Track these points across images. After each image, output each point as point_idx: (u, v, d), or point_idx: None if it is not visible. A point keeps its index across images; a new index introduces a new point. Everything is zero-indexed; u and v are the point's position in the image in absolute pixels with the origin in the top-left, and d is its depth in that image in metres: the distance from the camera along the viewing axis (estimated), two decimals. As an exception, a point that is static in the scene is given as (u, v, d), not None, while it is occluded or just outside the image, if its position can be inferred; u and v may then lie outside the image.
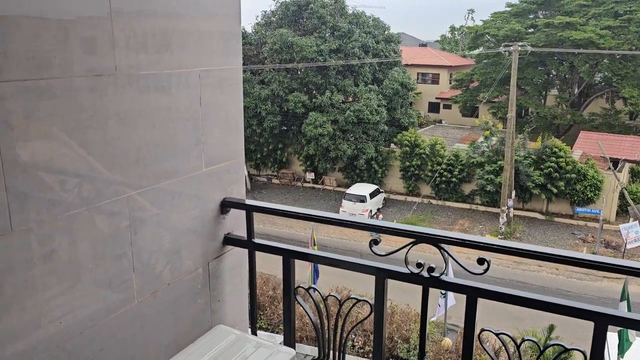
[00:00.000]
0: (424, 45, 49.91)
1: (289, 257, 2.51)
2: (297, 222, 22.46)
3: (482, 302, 2.14)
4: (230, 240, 2.62)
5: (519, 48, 22.85)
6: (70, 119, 1.81)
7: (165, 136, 2.22)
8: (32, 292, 1.75)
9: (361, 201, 24.20)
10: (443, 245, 2.17)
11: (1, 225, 1.63)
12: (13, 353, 1.70)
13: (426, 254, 2.27)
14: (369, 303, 2.36)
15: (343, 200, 24.68)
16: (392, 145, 27.87)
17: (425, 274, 2.20)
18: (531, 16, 33.92)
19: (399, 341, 10.00)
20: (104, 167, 1.97)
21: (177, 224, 2.35)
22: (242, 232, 2.64)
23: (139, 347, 2.21)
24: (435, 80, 40.46)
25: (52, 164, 1.80)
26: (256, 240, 2.58)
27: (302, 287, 2.54)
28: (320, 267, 13.25)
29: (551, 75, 33.98)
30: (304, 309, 2.55)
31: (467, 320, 2.17)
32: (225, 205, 2.58)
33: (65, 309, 1.87)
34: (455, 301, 11.38)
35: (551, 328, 9.52)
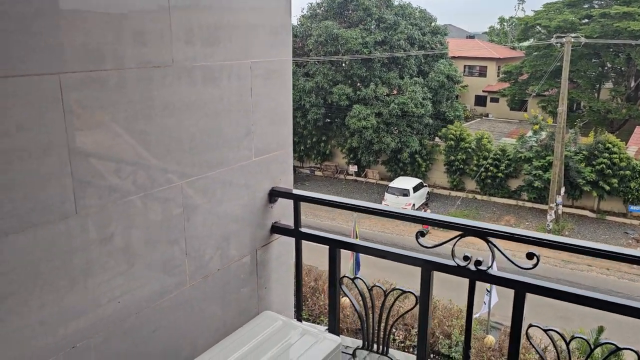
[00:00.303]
0: (471, 37, 48.78)
1: (335, 247, 2.54)
2: (339, 214, 22.51)
3: (526, 299, 2.11)
4: (277, 229, 2.67)
5: (572, 39, 21.98)
6: (128, 109, 1.90)
7: (217, 126, 2.28)
8: (94, 272, 1.85)
9: (404, 195, 23.99)
10: (491, 239, 2.15)
11: (68, 209, 1.72)
12: (76, 329, 1.81)
13: (469, 249, 2.25)
14: (415, 295, 2.36)
15: (386, 193, 24.53)
16: (437, 139, 27.45)
17: (472, 267, 2.19)
18: (586, 6, 32.53)
19: (441, 337, 9.92)
20: (158, 155, 2.05)
21: (227, 212, 2.42)
22: (289, 221, 2.69)
23: (190, 330, 2.30)
24: (482, 72, 39.49)
25: (111, 152, 1.89)
26: (303, 230, 2.63)
27: (347, 277, 2.57)
28: (362, 260, 13.26)
29: (606, 68, 32.52)
30: (349, 298, 2.58)
31: (514, 316, 2.14)
32: (274, 195, 2.63)
33: (123, 290, 1.97)
34: (499, 298, 11.16)
35: (600, 330, 9.21)
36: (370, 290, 2.51)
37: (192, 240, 2.25)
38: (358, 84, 27.50)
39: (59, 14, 1.64)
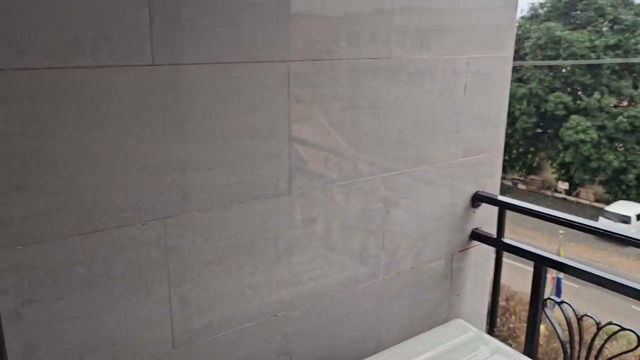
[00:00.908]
0: None
1: (541, 264, 2.30)
2: (540, 233, 20.64)
3: None
4: (477, 236, 2.53)
5: None
6: (341, 100, 1.97)
7: (425, 122, 2.24)
8: (298, 249, 1.97)
9: (623, 221, 20.88)
10: None
11: (282, 188, 1.86)
12: (278, 300, 1.95)
13: None
14: (637, 335, 2.01)
15: (600, 218, 21.65)
16: (675, 162, 23.30)
17: None
18: None
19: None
20: (365, 148, 2.08)
21: (427, 211, 2.36)
22: (490, 229, 2.53)
23: (377, 322, 2.32)
24: None
25: (321, 140, 1.98)
26: (506, 240, 2.44)
27: (552, 299, 2.31)
28: (565, 287, 11.94)
29: None
30: (552, 323, 2.31)
31: None
32: (477, 199, 2.49)
33: (322, 271, 2.06)
34: None
35: None
36: (579, 319, 2.21)
37: (389, 234, 2.25)
38: (579, 92, 24.81)
39: (289, 12, 1.76)
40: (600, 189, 25.06)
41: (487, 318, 2.74)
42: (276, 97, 1.78)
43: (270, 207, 1.85)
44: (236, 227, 1.77)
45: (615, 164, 23.29)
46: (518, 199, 2.49)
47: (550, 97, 24.69)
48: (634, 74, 23.93)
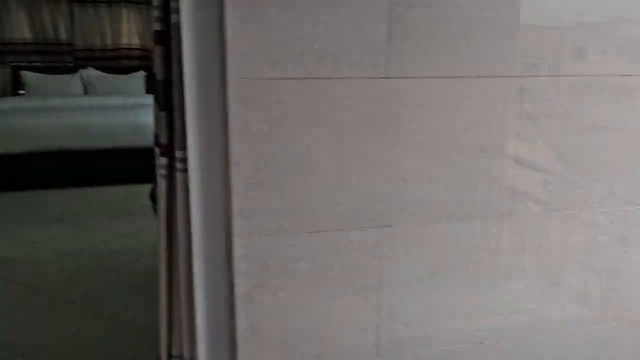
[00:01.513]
0: None
1: None
2: None
3: None
4: None
5: None
6: (574, 117, 1.78)
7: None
8: (512, 277, 1.84)
9: None
10: None
11: (503, 209, 1.76)
12: (486, 326, 1.84)
13: None
14: None
15: None
16: None
17: None
18: None
19: None
20: (597, 174, 1.85)
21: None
22: None
23: (598, 374, 2.03)
24: None
25: (544, 162, 1.82)
26: None
27: None
28: None
29: None
30: None
31: None
32: None
33: (535, 305, 1.89)
34: None
35: None
36: None
37: (622, 277, 1.97)
38: None
39: (519, 25, 1.66)
40: None
41: None
42: (502, 114, 1.70)
43: (486, 228, 1.76)
44: (450, 245, 1.73)
45: None
46: None
47: None
48: None
